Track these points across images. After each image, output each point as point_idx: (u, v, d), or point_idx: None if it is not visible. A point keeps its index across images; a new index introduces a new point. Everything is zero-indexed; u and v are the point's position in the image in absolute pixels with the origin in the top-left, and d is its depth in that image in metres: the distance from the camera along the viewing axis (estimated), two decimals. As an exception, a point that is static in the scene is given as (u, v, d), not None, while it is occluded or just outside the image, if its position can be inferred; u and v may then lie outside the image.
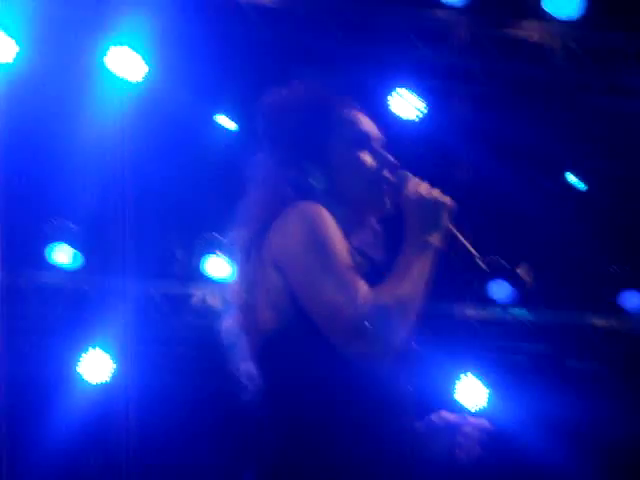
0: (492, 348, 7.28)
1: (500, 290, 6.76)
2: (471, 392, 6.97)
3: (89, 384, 6.64)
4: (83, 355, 6.56)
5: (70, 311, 6.78)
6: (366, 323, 1.83)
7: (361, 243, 2.15)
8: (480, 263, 2.12)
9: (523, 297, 6.85)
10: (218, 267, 6.84)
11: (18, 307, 6.78)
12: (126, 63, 6.38)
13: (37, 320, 6.85)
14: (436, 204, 2.04)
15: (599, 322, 6.77)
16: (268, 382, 2.01)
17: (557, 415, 6.60)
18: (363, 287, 1.90)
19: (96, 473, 6.85)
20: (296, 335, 1.94)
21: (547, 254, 6.74)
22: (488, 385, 6.89)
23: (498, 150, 6.46)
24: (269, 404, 2.06)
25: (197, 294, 6.99)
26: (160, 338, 7.11)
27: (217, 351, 6.22)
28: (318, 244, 1.94)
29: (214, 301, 6.98)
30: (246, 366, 2.07)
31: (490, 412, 6.87)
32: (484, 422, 2.19)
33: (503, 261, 6.59)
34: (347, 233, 2.07)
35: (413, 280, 1.94)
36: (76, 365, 6.62)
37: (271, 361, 1.98)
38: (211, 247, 6.88)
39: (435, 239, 2.01)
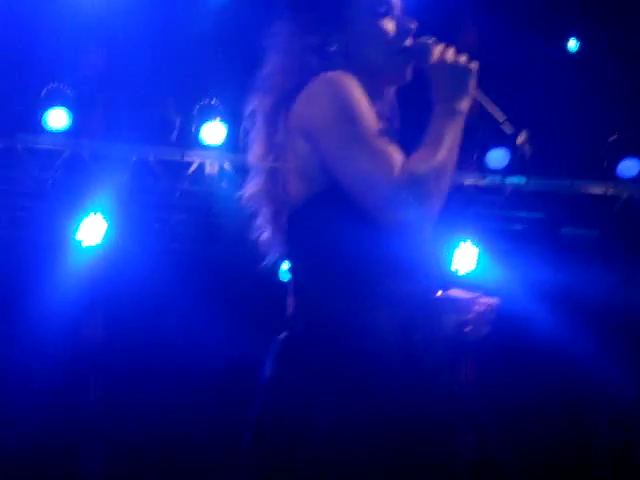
0: (489, 216, 7.36)
1: (498, 158, 6.79)
2: (468, 259, 7.09)
3: (85, 247, 6.73)
4: (80, 220, 6.63)
5: (66, 175, 6.77)
6: (404, 193, 1.83)
7: (380, 114, 2.08)
8: (506, 127, 2.09)
9: (521, 165, 6.88)
10: (216, 134, 6.73)
11: (14, 171, 6.82)
12: None
13: (33, 184, 6.87)
14: (463, 70, 2.01)
15: (595, 189, 6.80)
16: (294, 251, 2.01)
17: (552, 282, 6.71)
18: (398, 157, 1.89)
19: (93, 336, 7.03)
20: (326, 205, 1.92)
21: (545, 122, 6.70)
22: (484, 252, 7.03)
23: (502, 16, 6.38)
24: (295, 272, 2.05)
25: (195, 161, 6.94)
26: (157, 204, 7.13)
27: (215, 218, 6.28)
28: (348, 113, 1.91)
29: (212, 169, 7.02)
30: (268, 234, 2.07)
31: (484, 277, 7.03)
32: (495, 301, 2.20)
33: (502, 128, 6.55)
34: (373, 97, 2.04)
35: (446, 147, 1.92)
36: (71, 228, 6.68)
37: (299, 230, 1.97)
38: (209, 114, 6.75)
39: (464, 105, 1.99)
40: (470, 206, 7.07)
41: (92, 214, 6.57)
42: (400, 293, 1.96)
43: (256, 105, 2.09)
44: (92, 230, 6.66)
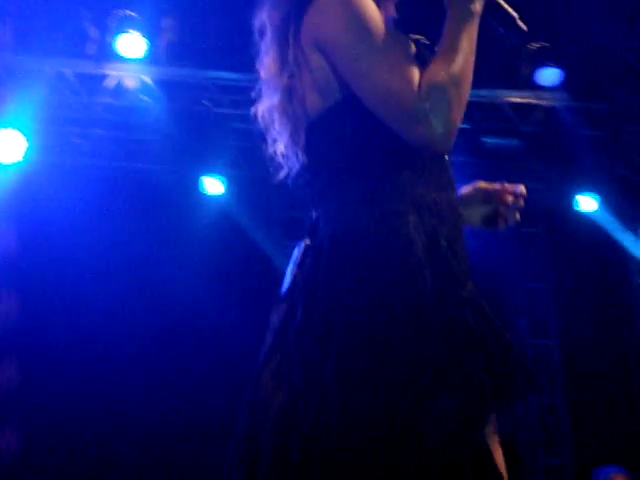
0: None
1: None
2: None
3: (2, 164, 6.78)
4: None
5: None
6: (425, 106, 1.79)
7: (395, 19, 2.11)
8: (520, 24, 2.03)
9: None
10: (133, 46, 6.62)
11: None
12: None
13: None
14: None
15: (516, 98, 6.90)
16: (314, 162, 2.00)
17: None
18: (415, 66, 1.86)
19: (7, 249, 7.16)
20: (346, 114, 1.91)
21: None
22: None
23: None
24: (316, 183, 2.03)
25: (112, 74, 6.87)
26: (76, 120, 7.11)
27: (137, 134, 6.31)
28: (362, 23, 1.88)
29: (132, 83, 6.97)
30: (282, 147, 2.06)
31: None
32: (521, 188, 2.22)
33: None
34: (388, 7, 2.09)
35: (464, 52, 1.88)
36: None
37: (320, 141, 1.96)
38: (125, 25, 6.56)
39: (478, 5, 1.93)
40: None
41: (9, 130, 6.50)
42: (428, 198, 1.94)
43: (264, 20, 2.04)
44: (10, 147, 6.62)
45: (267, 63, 2.06)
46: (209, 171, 7.67)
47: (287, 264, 2.16)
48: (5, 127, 6.71)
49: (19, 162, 6.83)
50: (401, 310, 1.83)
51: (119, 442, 7.53)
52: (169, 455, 7.66)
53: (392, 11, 2.16)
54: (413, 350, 1.82)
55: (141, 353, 7.51)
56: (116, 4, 6.73)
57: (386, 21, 1.97)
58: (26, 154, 6.79)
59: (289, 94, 1.98)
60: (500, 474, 1.90)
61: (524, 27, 2.05)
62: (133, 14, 6.64)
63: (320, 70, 1.93)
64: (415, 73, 1.85)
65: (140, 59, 6.85)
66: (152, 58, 6.94)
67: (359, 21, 1.89)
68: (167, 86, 7.28)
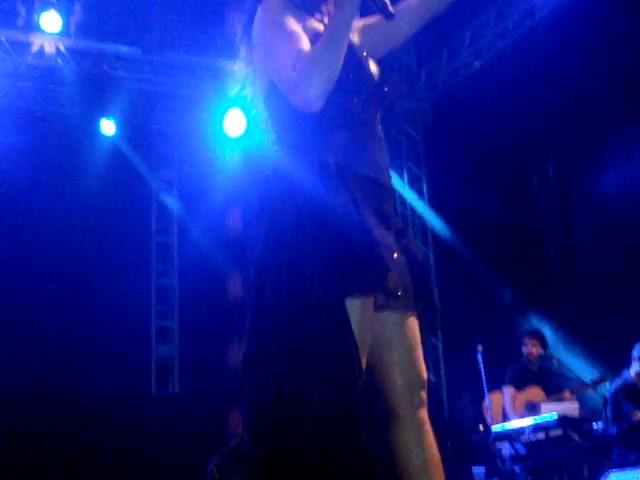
0: None
1: None
2: (236, 123, 9.46)
3: None
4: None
5: None
6: (306, 74, 2.33)
7: (320, 20, 2.62)
8: (390, 8, 2.50)
9: None
10: (52, 22, 8.28)
11: None
12: None
13: None
14: None
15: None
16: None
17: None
18: (304, 50, 2.39)
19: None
20: (273, 92, 2.52)
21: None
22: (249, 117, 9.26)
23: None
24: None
25: (36, 42, 8.54)
26: (7, 74, 8.74)
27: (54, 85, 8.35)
28: (268, 26, 2.49)
29: (49, 49, 8.67)
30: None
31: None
32: None
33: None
34: (310, 12, 2.61)
35: (332, 39, 2.39)
36: None
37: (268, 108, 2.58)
38: (47, 5, 8.23)
39: (350, 4, 2.43)
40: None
41: None
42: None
43: (233, 22, 2.71)
44: None
45: (240, 56, 2.66)
46: (105, 115, 9.39)
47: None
48: None
49: None
50: None
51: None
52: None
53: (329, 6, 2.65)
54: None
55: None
56: None
57: (290, 20, 2.48)
58: None
59: (251, 77, 2.60)
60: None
61: (391, 10, 2.51)
62: None
63: (260, 67, 2.53)
64: (302, 54, 2.36)
65: (57, 32, 8.48)
66: (66, 31, 8.56)
67: (272, 28, 2.47)
68: (76, 53, 8.99)
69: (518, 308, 9.34)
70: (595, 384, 7.84)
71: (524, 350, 8.12)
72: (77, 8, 8.64)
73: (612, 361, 8.26)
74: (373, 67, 2.69)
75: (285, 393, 2.31)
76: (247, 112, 9.24)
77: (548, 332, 8.80)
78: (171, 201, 10.97)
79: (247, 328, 2.41)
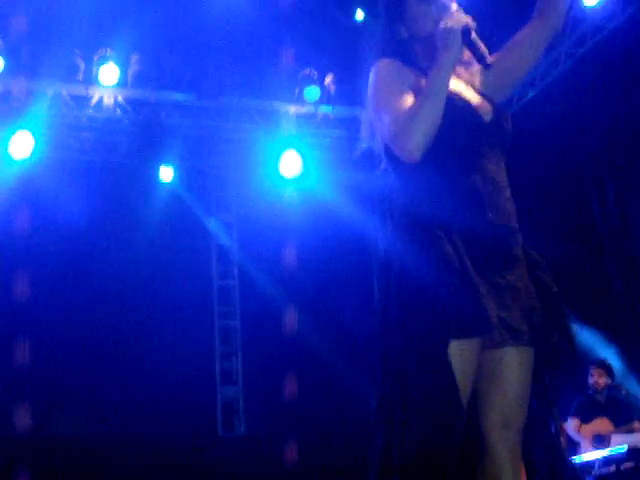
0: (307, 134, 9.86)
1: (313, 92, 9.33)
2: (292, 164, 9.63)
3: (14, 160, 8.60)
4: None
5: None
6: (405, 130, 2.52)
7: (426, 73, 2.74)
8: (488, 59, 2.65)
9: (328, 98, 9.49)
10: (110, 74, 8.62)
11: None
12: None
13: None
14: (448, 30, 2.60)
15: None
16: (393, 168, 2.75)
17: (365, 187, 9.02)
18: (405, 107, 2.57)
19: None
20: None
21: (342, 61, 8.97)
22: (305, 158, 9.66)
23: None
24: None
25: (96, 95, 8.92)
26: (68, 125, 9.10)
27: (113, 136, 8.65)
28: (377, 87, 2.70)
29: (109, 100, 9.04)
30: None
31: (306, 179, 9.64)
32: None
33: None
34: (426, 65, 2.75)
35: (430, 94, 2.55)
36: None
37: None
38: (104, 59, 8.56)
39: (449, 58, 2.58)
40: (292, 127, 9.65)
41: (23, 131, 8.46)
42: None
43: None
44: (21, 145, 8.53)
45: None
46: (163, 163, 9.60)
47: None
48: (19, 129, 8.55)
49: (28, 158, 8.72)
50: None
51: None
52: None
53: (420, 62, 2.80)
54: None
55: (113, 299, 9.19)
56: (98, 43, 8.56)
57: (397, 79, 2.69)
58: (34, 151, 8.69)
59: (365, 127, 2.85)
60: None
61: (490, 61, 2.65)
62: (109, 51, 8.57)
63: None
64: (402, 112, 2.55)
65: (115, 85, 8.83)
66: (123, 82, 8.88)
67: (377, 90, 2.69)
68: (133, 103, 9.30)
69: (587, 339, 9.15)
70: None
71: (590, 380, 8.08)
72: (134, 59, 8.91)
73: None
74: (486, 110, 2.76)
75: (396, 438, 2.46)
76: (302, 153, 9.70)
77: (615, 361, 8.78)
78: (231, 244, 11.15)
79: (377, 372, 2.57)
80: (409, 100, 2.61)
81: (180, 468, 8.83)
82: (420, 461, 2.44)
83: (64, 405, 9.02)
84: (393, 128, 2.58)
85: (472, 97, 2.79)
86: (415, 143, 2.51)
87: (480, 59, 2.66)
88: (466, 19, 2.62)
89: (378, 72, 2.74)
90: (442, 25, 2.61)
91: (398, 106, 2.60)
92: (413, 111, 2.57)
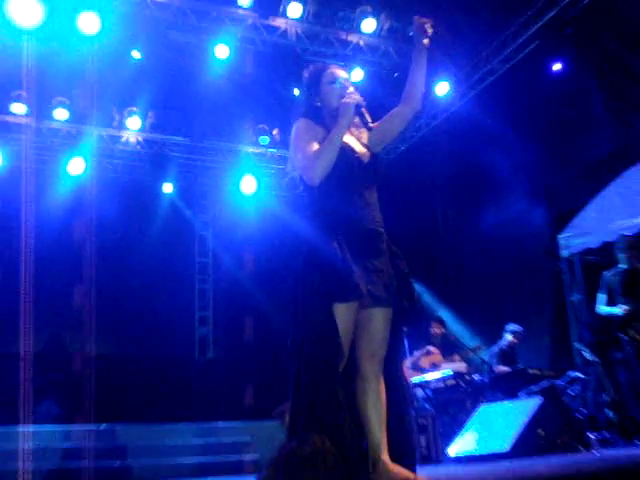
0: (260, 166, 11.74)
1: (264, 139, 11.28)
2: (249, 184, 11.50)
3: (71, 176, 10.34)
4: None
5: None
6: (312, 166, 3.03)
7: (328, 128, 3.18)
8: (370, 125, 3.21)
9: (275, 143, 11.35)
10: (135, 123, 10.52)
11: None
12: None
13: None
14: (346, 104, 3.13)
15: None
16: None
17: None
18: (311, 150, 3.03)
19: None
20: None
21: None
22: (258, 181, 11.43)
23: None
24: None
25: (124, 135, 10.90)
26: (107, 155, 11.00)
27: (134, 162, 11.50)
28: (296, 136, 3.17)
29: (133, 139, 10.82)
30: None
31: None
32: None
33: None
34: (330, 125, 3.16)
35: (329, 143, 3.05)
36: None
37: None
38: (132, 113, 10.43)
39: (344, 122, 3.10)
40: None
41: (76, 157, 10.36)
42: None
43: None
44: (77, 165, 10.41)
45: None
46: (166, 180, 11.50)
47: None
48: (75, 156, 10.54)
49: (80, 175, 10.60)
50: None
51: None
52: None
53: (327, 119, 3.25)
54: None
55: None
56: (127, 103, 10.49)
57: (310, 131, 3.12)
58: (84, 171, 10.61)
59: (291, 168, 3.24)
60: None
61: (371, 126, 3.19)
62: (135, 108, 10.57)
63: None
64: (311, 154, 3.00)
65: (137, 129, 10.87)
66: (142, 129, 10.93)
67: (297, 138, 3.15)
68: (149, 142, 11.26)
69: (430, 302, 11.02)
70: (474, 350, 9.21)
71: (430, 331, 9.37)
72: (150, 114, 10.89)
73: (488, 337, 9.65)
74: (365, 156, 3.25)
75: (303, 361, 2.90)
76: (257, 178, 11.50)
77: (446, 317, 10.45)
78: (207, 234, 12.89)
79: (290, 323, 3.02)
80: (315, 146, 3.03)
81: (169, 379, 10.62)
82: (317, 380, 2.81)
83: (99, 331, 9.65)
84: (303, 163, 3.03)
85: (358, 147, 3.22)
86: (317, 173, 2.98)
87: (365, 124, 3.14)
88: (359, 98, 3.10)
89: (298, 127, 3.16)
90: (344, 100, 3.11)
91: (308, 150, 3.02)
92: (317, 153, 3.02)
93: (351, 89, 3.23)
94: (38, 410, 8.57)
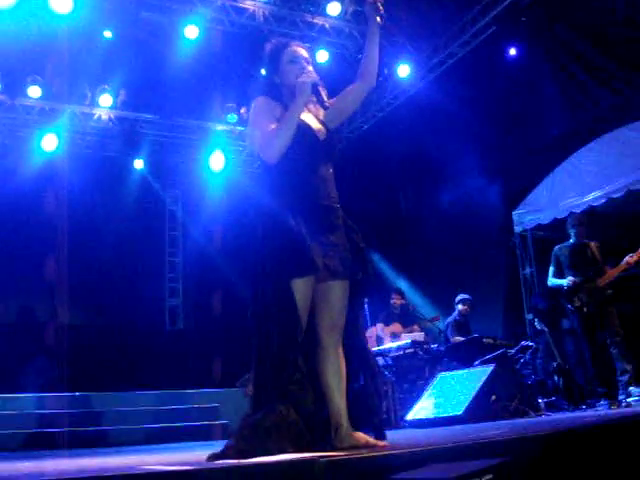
0: (228, 143, 11.86)
1: (232, 117, 11.37)
2: (218, 160, 11.68)
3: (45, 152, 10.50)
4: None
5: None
6: (269, 143, 3.00)
7: (285, 106, 3.15)
8: (326, 103, 3.16)
9: (242, 120, 11.35)
10: (106, 100, 10.52)
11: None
12: None
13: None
14: (303, 82, 3.09)
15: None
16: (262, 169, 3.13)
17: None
18: (269, 128, 3.02)
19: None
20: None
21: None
22: (226, 157, 11.59)
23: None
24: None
25: (96, 112, 10.92)
26: (82, 132, 11.02)
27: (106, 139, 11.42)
28: (255, 114, 3.14)
29: (105, 116, 10.89)
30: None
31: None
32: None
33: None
34: (288, 102, 3.13)
35: (286, 120, 3.03)
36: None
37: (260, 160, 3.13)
38: (104, 91, 10.42)
39: (301, 101, 3.06)
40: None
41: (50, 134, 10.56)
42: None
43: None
44: (50, 143, 10.59)
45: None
46: (137, 156, 11.63)
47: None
48: (49, 132, 10.53)
49: (54, 151, 10.71)
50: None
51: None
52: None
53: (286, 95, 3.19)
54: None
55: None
56: (99, 81, 10.48)
57: (268, 109, 3.08)
58: (57, 147, 10.60)
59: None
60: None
61: (327, 105, 3.14)
62: (107, 86, 10.53)
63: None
64: (268, 130, 2.97)
65: (109, 107, 10.93)
66: (114, 106, 11.00)
67: (255, 115, 3.12)
68: (120, 119, 11.35)
69: (391, 275, 11.33)
70: (432, 320, 9.42)
71: (391, 301, 9.47)
72: (121, 91, 10.92)
73: (445, 308, 9.75)
74: (322, 133, 3.23)
75: (263, 334, 2.92)
76: (225, 154, 11.67)
77: (406, 288, 10.62)
78: (177, 209, 13.02)
79: (250, 297, 3.01)
80: (273, 125, 3.01)
81: (142, 348, 10.76)
82: (279, 352, 2.84)
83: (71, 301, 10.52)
84: (261, 141, 3.01)
85: (314, 124, 3.20)
86: (274, 151, 2.97)
87: (321, 102, 3.13)
88: (315, 76, 3.08)
89: (256, 105, 3.15)
90: (300, 79, 3.08)
91: (265, 127, 3.01)
92: (274, 131, 3.00)
93: (309, 68, 3.21)
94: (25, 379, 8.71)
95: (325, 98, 3.15)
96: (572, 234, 7.61)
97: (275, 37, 3.41)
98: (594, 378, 7.17)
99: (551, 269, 7.64)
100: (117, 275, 11.34)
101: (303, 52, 3.28)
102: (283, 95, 3.21)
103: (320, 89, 3.13)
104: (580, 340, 7.40)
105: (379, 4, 3.27)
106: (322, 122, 3.27)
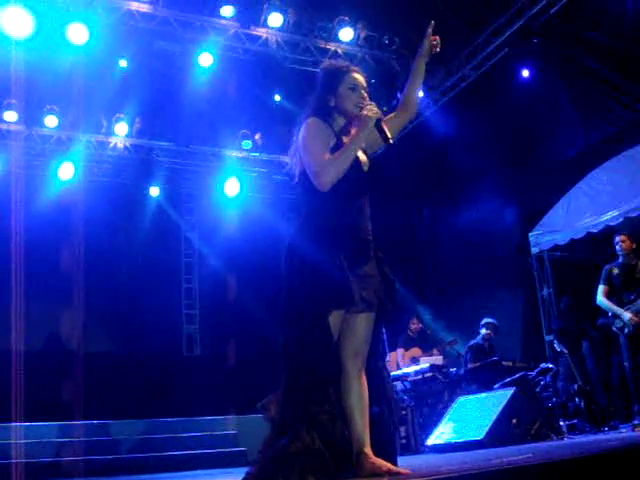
0: (242, 169, 11.95)
1: (247, 144, 11.46)
2: (233, 187, 11.62)
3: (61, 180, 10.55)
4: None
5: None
6: (325, 172, 2.95)
7: (345, 132, 3.15)
8: (389, 139, 3.05)
9: (257, 147, 11.53)
10: (122, 129, 10.61)
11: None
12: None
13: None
14: (367, 117, 3.03)
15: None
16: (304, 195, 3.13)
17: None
18: (325, 158, 2.97)
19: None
20: (304, 175, 3.09)
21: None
22: (241, 184, 11.69)
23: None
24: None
25: (112, 141, 11.01)
26: (96, 161, 11.09)
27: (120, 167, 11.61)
28: (310, 137, 3.06)
29: (120, 145, 10.91)
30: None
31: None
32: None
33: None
34: (342, 130, 3.14)
35: (346, 153, 2.98)
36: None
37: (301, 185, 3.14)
38: (119, 119, 10.49)
39: (363, 135, 3.02)
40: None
41: (67, 163, 10.58)
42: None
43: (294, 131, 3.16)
44: (67, 171, 10.61)
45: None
46: (152, 184, 11.59)
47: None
48: (66, 161, 10.72)
49: (70, 179, 10.77)
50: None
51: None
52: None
53: (340, 121, 3.19)
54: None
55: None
56: (115, 110, 10.55)
57: (323, 133, 3.04)
58: (74, 175, 10.73)
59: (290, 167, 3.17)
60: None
61: (390, 141, 3.02)
62: (122, 115, 10.67)
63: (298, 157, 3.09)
64: (324, 161, 2.92)
65: (125, 135, 10.99)
66: (130, 134, 11.02)
67: (308, 140, 3.03)
68: (136, 147, 11.33)
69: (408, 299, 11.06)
70: (450, 343, 9.48)
71: (410, 326, 9.60)
72: (137, 120, 11.00)
73: (464, 331, 9.78)
74: (365, 165, 3.21)
75: (296, 364, 2.93)
76: (240, 181, 11.70)
77: (423, 312, 10.77)
78: (193, 236, 12.97)
79: (281, 323, 3.03)
80: (327, 151, 2.99)
81: (159, 374, 10.76)
82: (311, 381, 2.86)
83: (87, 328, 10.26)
84: (316, 168, 2.96)
85: (361, 155, 3.18)
86: (329, 180, 2.95)
87: (385, 139, 3.05)
88: (379, 112, 3.05)
89: (309, 126, 3.09)
90: (365, 112, 3.05)
91: (320, 153, 2.97)
92: (333, 161, 2.96)
93: (367, 100, 3.17)
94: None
95: (389, 135, 3.09)
96: (620, 254, 7.50)
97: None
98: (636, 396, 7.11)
99: (601, 287, 7.51)
100: (133, 302, 11.30)
101: (363, 81, 3.27)
102: (332, 118, 3.20)
103: (383, 125, 3.09)
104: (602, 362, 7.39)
105: (436, 43, 3.30)
106: (366, 153, 3.27)
